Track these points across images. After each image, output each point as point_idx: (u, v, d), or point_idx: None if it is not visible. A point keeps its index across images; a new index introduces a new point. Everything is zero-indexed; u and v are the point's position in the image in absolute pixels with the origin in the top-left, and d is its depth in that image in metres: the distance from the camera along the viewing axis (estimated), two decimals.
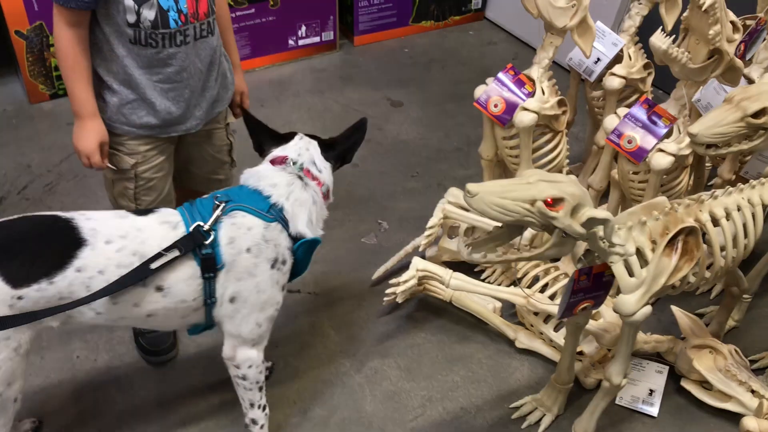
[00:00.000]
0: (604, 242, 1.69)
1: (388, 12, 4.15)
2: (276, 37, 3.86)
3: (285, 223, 1.81)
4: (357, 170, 3.31)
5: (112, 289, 1.62)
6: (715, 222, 1.86)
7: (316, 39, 4.00)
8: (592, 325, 2.25)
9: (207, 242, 1.70)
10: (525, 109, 2.37)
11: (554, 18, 2.28)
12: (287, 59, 3.96)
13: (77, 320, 1.72)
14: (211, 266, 1.73)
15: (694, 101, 2.45)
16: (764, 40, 2.55)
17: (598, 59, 2.70)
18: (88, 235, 1.66)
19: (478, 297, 2.55)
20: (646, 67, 2.75)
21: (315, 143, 1.94)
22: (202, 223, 1.73)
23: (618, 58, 2.72)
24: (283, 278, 1.86)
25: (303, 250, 1.86)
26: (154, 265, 1.65)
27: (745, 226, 1.90)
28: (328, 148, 1.95)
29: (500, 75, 2.45)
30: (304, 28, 3.92)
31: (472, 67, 4.07)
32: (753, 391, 2.25)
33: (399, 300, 2.47)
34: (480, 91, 2.48)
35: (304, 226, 1.85)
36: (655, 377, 2.40)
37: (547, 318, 2.44)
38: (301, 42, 3.96)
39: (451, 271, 2.46)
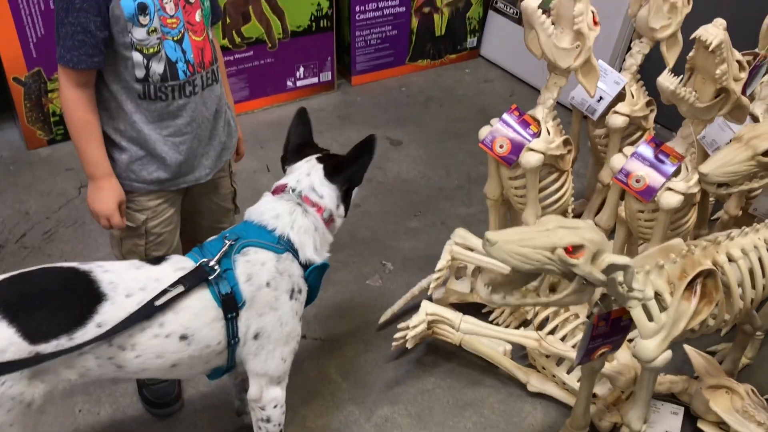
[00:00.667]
0: (623, 287, 1.67)
1: (385, 52, 4.17)
2: (274, 79, 3.86)
3: (295, 252, 1.82)
4: (359, 210, 3.28)
5: (118, 329, 1.59)
6: (733, 263, 1.84)
7: (314, 80, 4.00)
8: (606, 367, 2.21)
9: (212, 277, 1.69)
10: (531, 149, 2.36)
11: (558, 59, 2.28)
12: (286, 100, 3.96)
13: (96, 374, 1.67)
14: (232, 306, 1.72)
15: (698, 138, 2.45)
16: (764, 75, 2.57)
17: (601, 98, 2.70)
18: (107, 288, 1.62)
19: (488, 340, 2.51)
20: (648, 104, 2.76)
21: (319, 167, 1.89)
22: (207, 260, 1.72)
23: (620, 96, 2.72)
24: (301, 308, 1.88)
25: (314, 276, 1.87)
26: (159, 302, 1.62)
27: (762, 266, 1.88)
28: (333, 171, 1.89)
29: (505, 116, 2.44)
30: (302, 69, 3.93)
31: (469, 105, 4.08)
32: None
33: (408, 345, 2.43)
34: (485, 132, 2.47)
35: (312, 252, 1.85)
36: (671, 419, 2.36)
37: (560, 360, 2.40)
38: (299, 83, 3.96)
39: (461, 314, 2.42)
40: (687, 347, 2.44)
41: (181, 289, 1.65)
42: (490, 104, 4.06)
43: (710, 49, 1.97)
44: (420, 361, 2.60)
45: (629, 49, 2.72)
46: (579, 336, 2.39)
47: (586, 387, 2.13)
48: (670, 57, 2.59)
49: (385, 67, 4.21)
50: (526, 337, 2.36)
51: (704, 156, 2.50)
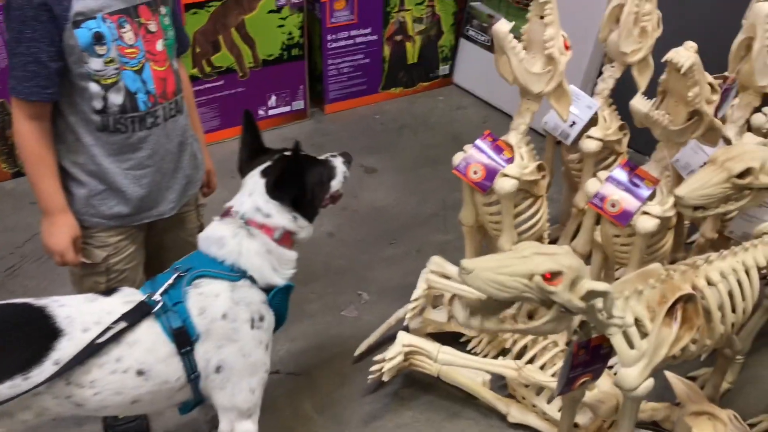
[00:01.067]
0: (602, 314, 1.63)
1: (358, 80, 4.15)
2: (246, 108, 3.80)
3: (252, 277, 1.74)
4: (333, 239, 3.23)
5: (62, 371, 1.51)
6: (712, 287, 1.81)
7: (287, 108, 3.97)
8: (587, 396, 2.16)
9: (155, 309, 1.63)
10: (505, 175, 2.33)
11: (530, 84, 2.27)
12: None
13: (54, 412, 1.60)
14: (185, 340, 1.66)
15: (672, 161, 2.43)
16: (735, 98, 2.58)
17: (574, 122, 2.69)
18: (63, 324, 1.56)
19: (466, 370, 2.45)
20: (621, 128, 2.75)
21: (261, 184, 1.77)
22: (150, 294, 1.67)
23: (593, 121, 2.71)
24: (266, 336, 1.79)
25: (278, 299, 1.79)
26: (101, 340, 1.57)
27: (742, 289, 1.85)
28: (275, 187, 1.75)
29: (478, 142, 2.42)
30: (274, 98, 3.89)
31: (443, 132, 4.06)
32: None
33: (385, 378, 2.36)
34: (458, 158, 2.44)
35: (271, 274, 1.77)
36: None
37: (540, 390, 2.35)
38: (271, 112, 3.92)
39: (438, 345, 2.37)
40: (668, 373, 2.39)
41: (123, 325, 1.59)
42: (463, 131, 4.04)
43: (682, 71, 1.96)
44: (397, 394, 2.53)
45: (600, 73, 2.72)
46: (558, 364, 2.34)
47: (567, 417, 2.08)
48: (642, 81, 2.59)
49: (358, 96, 4.19)
50: (505, 366, 2.31)
51: (679, 179, 2.49)
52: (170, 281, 1.67)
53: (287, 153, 1.82)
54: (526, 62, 2.24)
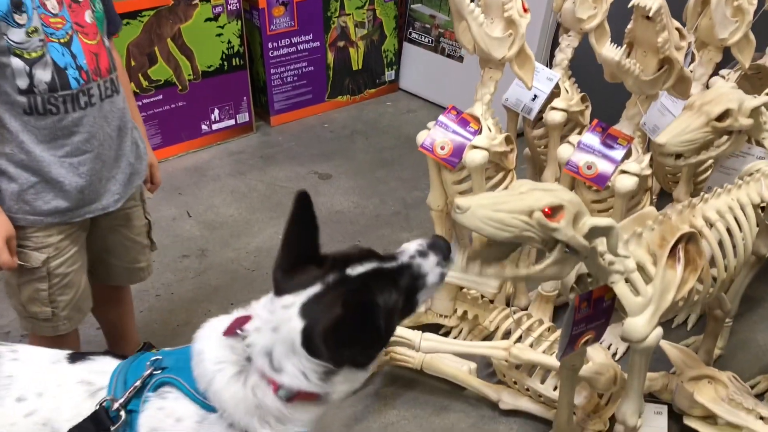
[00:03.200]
0: (604, 259, 1.51)
1: (303, 89, 4.02)
2: (188, 123, 3.63)
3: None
4: None
5: None
6: (710, 226, 1.72)
7: (231, 122, 3.79)
8: (583, 371, 2.03)
9: (114, 428, 1.24)
10: (475, 147, 2.21)
11: (492, 49, 2.16)
12: (202, 145, 3.72)
13: None
14: None
15: (641, 124, 2.37)
16: (692, 56, 2.55)
17: (535, 96, 2.61)
18: (2, 383, 1.28)
19: (451, 360, 2.30)
20: (583, 100, 2.68)
21: (296, 328, 1.17)
22: (111, 399, 1.26)
23: (553, 95, 2.64)
24: None
25: None
26: None
27: (740, 227, 1.76)
28: (315, 345, 1.16)
29: (442, 117, 2.30)
30: (217, 111, 3.72)
31: (395, 135, 3.95)
32: (762, 418, 2.07)
33: None
34: (423, 136, 2.31)
35: (255, 426, 1.23)
36: (655, 419, 2.19)
37: (532, 370, 2.21)
38: (215, 126, 3.74)
39: (420, 332, 2.21)
40: (661, 342, 2.29)
41: None
42: (415, 133, 3.90)
43: (651, 14, 1.89)
44: (378, 393, 2.35)
45: (554, 45, 2.65)
46: (548, 343, 2.21)
47: (566, 392, 1.95)
48: (600, 47, 2.52)
49: (304, 105, 4.05)
50: (493, 347, 2.16)
51: (647, 141, 2.43)
52: (138, 382, 1.27)
53: (351, 274, 1.21)
54: (486, 27, 2.15)
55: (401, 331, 2.20)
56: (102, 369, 1.33)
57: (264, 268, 2.90)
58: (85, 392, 1.29)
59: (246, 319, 1.25)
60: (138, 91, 3.40)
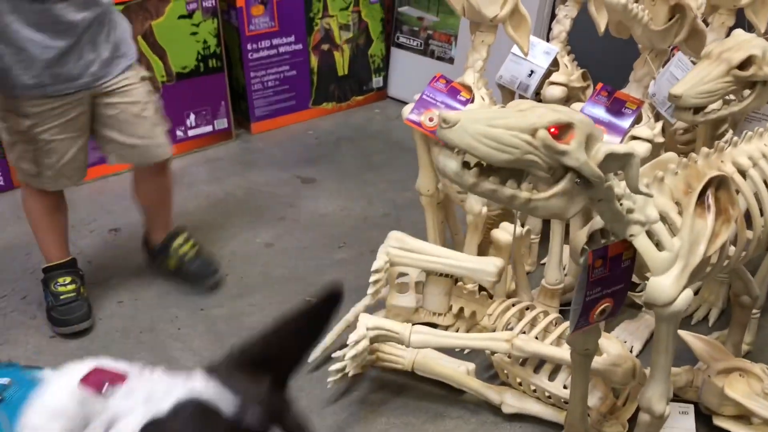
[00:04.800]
0: (621, 204, 1.26)
1: (286, 95, 3.80)
2: None
3: None
4: (272, 250, 2.80)
5: None
6: (742, 174, 1.47)
7: (209, 128, 3.57)
8: (597, 362, 1.77)
9: None
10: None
11: (483, 7, 1.96)
12: (177, 153, 3.45)
13: None
14: None
15: (650, 96, 2.15)
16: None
17: (532, 72, 2.39)
18: None
19: (446, 360, 2.04)
20: (584, 77, 2.47)
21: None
22: None
23: (550, 74, 2.43)
24: None
25: None
26: None
27: None
28: None
29: (428, 88, 2.08)
30: (193, 116, 3.50)
31: (384, 140, 3.72)
32: None
33: (350, 371, 1.92)
34: (409, 109, 2.10)
35: None
36: (681, 420, 1.92)
37: (538, 366, 1.94)
38: (191, 132, 3.51)
39: (410, 325, 1.94)
40: (682, 332, 2.03)
41: None
42: (405, 138, 3.68)
43: None
44: (365, 400, 2.08)
45: (553, 17, 2.45)
46: (555, 335, 1.95)
47: (579, 383, 1.68)
48: (600, 18, 2.32)
49: (287, 112, 3.82)
50: (493, 339, 1.89)
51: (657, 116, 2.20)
52: None
53: None
54: None
55: (388, 324, 1.93)
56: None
57: (237, 273, 2.64)
58: None
59: (120, 377, 0.91)
60: None
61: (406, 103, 4.20)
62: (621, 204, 1.26)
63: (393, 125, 3.94)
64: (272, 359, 0.86)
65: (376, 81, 4.13)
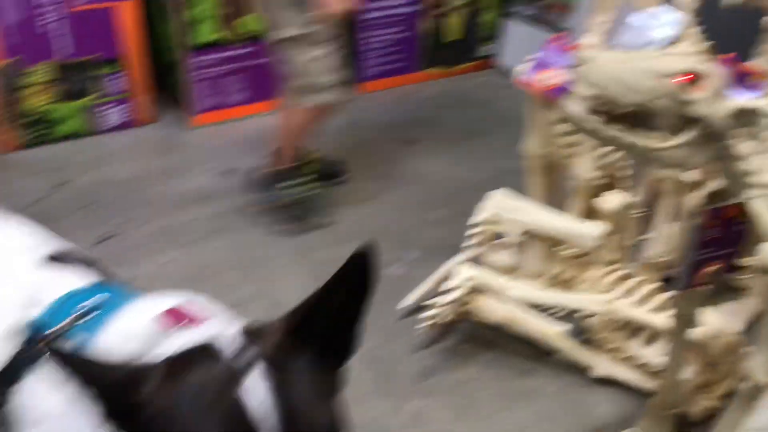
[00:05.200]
0: (741, 165, 1.25)
1: (396, 56, 3.85)
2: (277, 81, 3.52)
3: None
4: (368, 205, 2.87)
5: None
6: None
7: None
8: (697, 333, 1.75)
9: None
10: None
11: None
12: None
13: None
14: None
15: None
16: None
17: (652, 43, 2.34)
18: None
19: (539, 320, 2.06)
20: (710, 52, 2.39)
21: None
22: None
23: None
24: None
25: None
26: None
27: None
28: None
29: (542, 51, 2.08)
30: None
31: (488, 109, 3.73)
32: None
33: (442, 320, 1.97)
34: (523, 69, 2.10)
35: None
36: None
37: (635, 333, 1.94)
38: None
39: (507, 278, 1.97)
40: None
41: None
42: (511, 108, 3.68)
43: None
44: (455, 350, 2.14)
45: None
46: (653, 303, 1.94)
47: (677, 351, 1.67)
48: None
49: (396, 74, 3.88)
50: (591, 301, 1.91)
51: None
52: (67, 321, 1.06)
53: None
54: None
55: (485, 274, 1.97)
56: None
57: (338, 219, 2.73)
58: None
59: (195, 320, 1.00)
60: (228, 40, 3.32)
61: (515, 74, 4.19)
62: (741, 165, 1.24)
63: (500, 94, 3.93)
64: (315, 329, 0.90)
65: (486, 48, 4.12)
